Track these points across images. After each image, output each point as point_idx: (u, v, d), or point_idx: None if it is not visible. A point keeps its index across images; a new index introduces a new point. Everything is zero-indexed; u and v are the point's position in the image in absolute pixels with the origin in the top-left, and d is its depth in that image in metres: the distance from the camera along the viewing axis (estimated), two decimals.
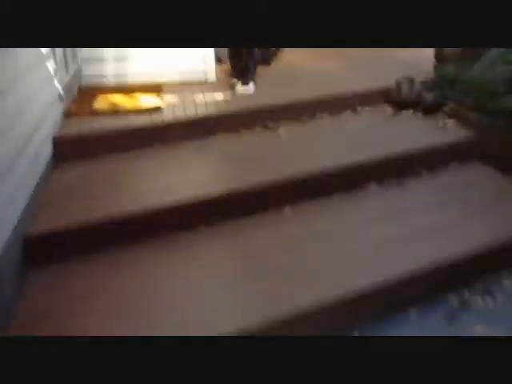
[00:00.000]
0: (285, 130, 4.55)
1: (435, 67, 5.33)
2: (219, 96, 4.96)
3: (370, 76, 5.45)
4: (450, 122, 4.55)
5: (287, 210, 3.67)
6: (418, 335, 2.82)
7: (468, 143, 4.35)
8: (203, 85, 5.34)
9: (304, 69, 5.82)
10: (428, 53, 5.52)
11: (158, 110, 4.60)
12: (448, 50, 5.25)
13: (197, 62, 5.45)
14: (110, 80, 5.30)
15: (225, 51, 5.62)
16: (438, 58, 5.35)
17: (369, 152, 4.07)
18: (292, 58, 6.24)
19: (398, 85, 4.92)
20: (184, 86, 5.26)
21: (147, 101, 4.80)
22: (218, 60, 6.08)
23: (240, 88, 5.10)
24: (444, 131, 4.44)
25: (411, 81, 4.94)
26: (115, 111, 4.57)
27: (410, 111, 4.87)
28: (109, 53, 5.27)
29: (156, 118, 4.44)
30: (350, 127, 4.62)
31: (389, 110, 4.94)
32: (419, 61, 5.86)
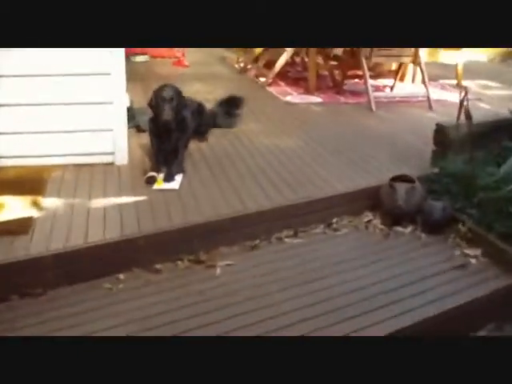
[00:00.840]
0: (226, 267, 2.89)
1: (434, 155, 3.86)
2: (128, 198, 3.31)
3: (345, 163, 3.92)
4: (473, 254, 3.05)
5: None
6: None
7: (505, 291, 2.86)
8: (109, 171, 3.69)
9: (254, 150, 4.15)
10: (419, 129, 4.11)
11: (27, 227, 2.91)
12: (454, 135, 3.78)
13: (102, 139, 3.80)
14: None
15: (146, 119, 3.99)
16: (439, 142, 3.87)
17: (366, 321, 2.52)
18: (238, 129, 4.65)
19: (392, 188, 3.39)
20: (81, 174, 3.61)
21: (13, 209, 3.09)
22: (136, 128, 4.47)
23: (161, 184, 3.47)
24: (470, 273, 2.93)
25: (411, 182, 3.42)
26: None
27: (408, 229, 3.34)
28: None
29: (19, 248, 2.75)
30: (328, 261, 3.01)
31: (377, 224, 3.39)
32: (409, 140, 4.40)
